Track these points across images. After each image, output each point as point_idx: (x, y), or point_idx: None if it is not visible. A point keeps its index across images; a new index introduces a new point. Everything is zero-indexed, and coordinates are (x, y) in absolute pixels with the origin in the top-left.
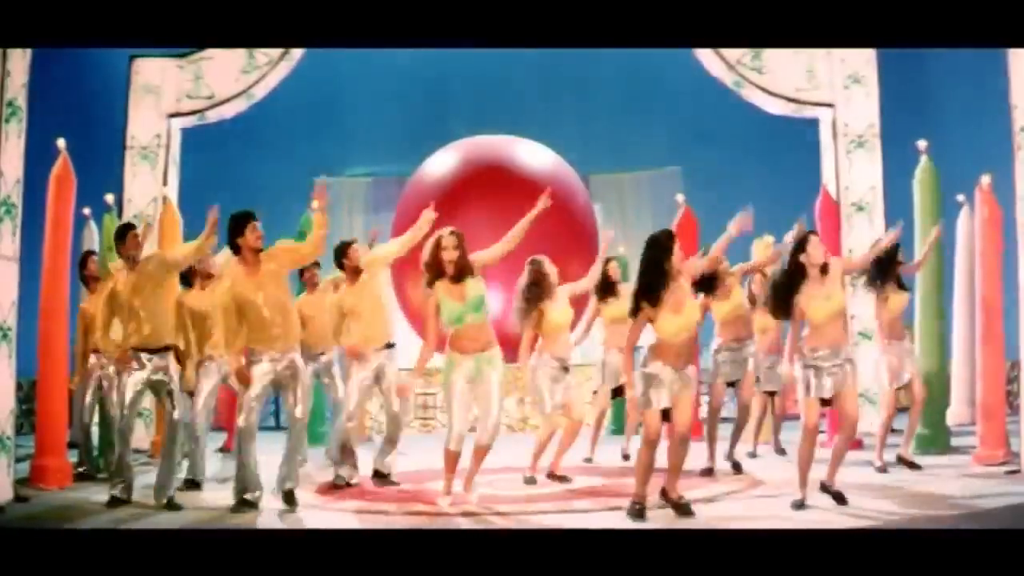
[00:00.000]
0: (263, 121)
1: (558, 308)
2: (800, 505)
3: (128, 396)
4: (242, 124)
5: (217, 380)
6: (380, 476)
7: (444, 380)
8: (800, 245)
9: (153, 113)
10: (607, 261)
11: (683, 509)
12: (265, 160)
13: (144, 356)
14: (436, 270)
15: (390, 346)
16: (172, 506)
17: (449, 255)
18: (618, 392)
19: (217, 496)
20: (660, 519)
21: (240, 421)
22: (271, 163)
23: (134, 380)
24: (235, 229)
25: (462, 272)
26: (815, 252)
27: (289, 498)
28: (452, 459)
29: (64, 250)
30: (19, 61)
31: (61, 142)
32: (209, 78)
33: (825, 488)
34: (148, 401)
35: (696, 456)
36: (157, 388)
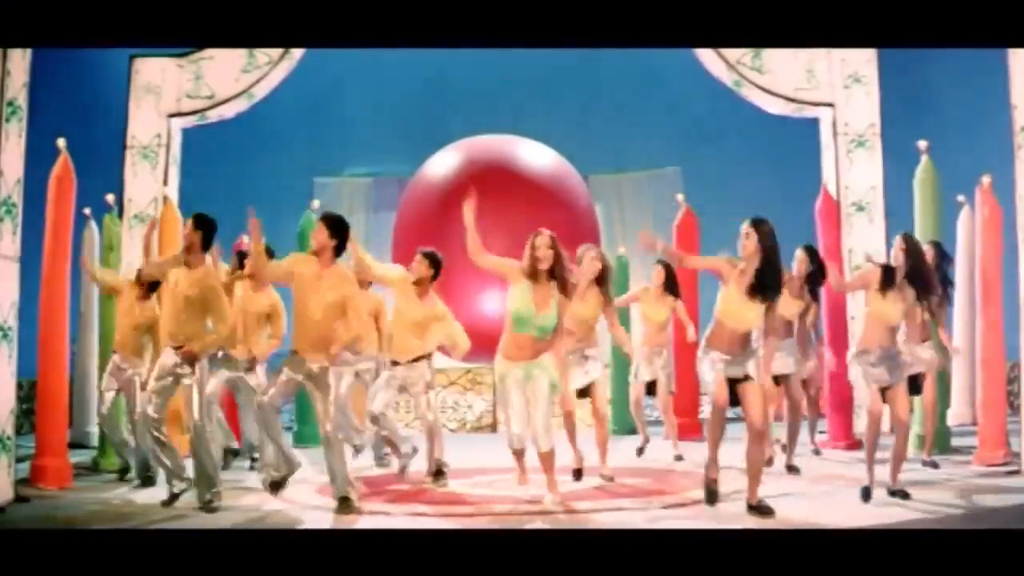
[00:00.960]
0: (263, 121)
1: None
2: (867, 494)
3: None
4: (242, 124)
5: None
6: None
7: (497, 384)
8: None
9: (153, 113)
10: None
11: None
12: (265, 160)
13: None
14: (530, 271)
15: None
16: (209, 508)
17: (543, 253)
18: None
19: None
20: (660, 519)
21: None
22: (271, 163)
23: (162, 370)
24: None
25: (552, 277)
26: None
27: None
28: (518, 457)
29: (64, 250)
30: (19, 61)
31: (61, 142)
32: (209, 78)
33: (892, 491)
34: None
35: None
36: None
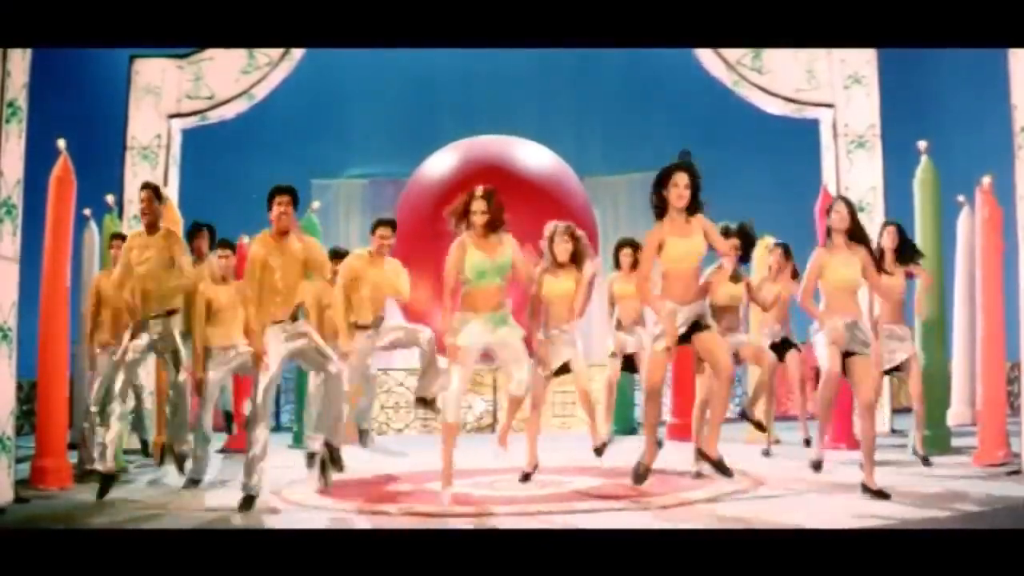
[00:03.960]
0: (263, 122)
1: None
2: (818, 466)
3: (128, 359)
4: (242, 125)
5: (225, 372)
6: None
7: (450, 339)
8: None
9: (153, 113)
10: (622, 246)
11: (722, 468)
12: (265, 161)
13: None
14: (462, 222)
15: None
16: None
17: (478, 219)
18: (625, 366)
19: (217, 496)
20: (658, 519)
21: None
22: (271, 164)
23: (134, 345)
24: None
25: (494, 227)
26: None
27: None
28: (451, 433)
29: (64, 250)
30: (19, 61)
31: (61, 142)
32: (209, 78)
33: (867, 490)
34: (148, 402)
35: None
36: (160, 351)
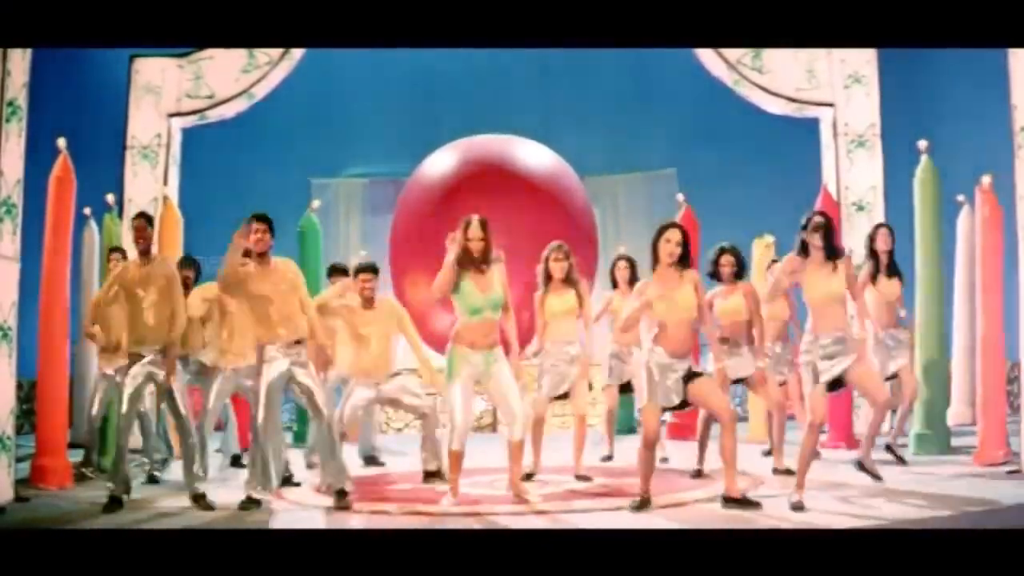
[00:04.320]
0: (263, 121)
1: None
2: (799, 507)
3: (128, 391)
4: (242, 124)
5: (232, 385)
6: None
7: (448, 374)
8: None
9: (153, 113)
10: (618, 260)
11: (749, 504)
12: (265, 160)
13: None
14: (463, 257)
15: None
16: (200, 503)
17: (476, 246)
18: (624, 388)
19: (217, 496)
20: (660, 519)
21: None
22: (271, 163)
23: (133, 373)
24: None
25: (487, 261)
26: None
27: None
28: (457, 459)
29: (64, 250)
30: (19, 61)
31: (61, 142)
32: (209, 78)
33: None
34: (149, 402)
35: (688, 457)
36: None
